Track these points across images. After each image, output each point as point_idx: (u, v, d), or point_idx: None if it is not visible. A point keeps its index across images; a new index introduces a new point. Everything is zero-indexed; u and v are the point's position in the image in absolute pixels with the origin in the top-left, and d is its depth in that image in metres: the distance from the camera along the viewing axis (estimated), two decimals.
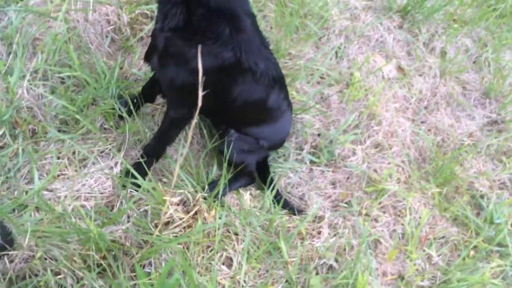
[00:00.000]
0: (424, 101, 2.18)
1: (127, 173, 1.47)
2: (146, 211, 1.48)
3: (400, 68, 2.28)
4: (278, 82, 1.50)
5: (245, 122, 1.57)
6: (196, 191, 1.51)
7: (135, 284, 1.26)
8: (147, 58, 1.42)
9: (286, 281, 1.48)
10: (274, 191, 1.61)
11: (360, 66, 2.12)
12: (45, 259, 1.25)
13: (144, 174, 1.50)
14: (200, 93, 1.09)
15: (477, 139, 2.10)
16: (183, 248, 1.42)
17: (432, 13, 2.37)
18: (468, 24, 2.50)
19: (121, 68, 1.76)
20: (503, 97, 2.27)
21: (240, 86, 1.36)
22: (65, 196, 1.43)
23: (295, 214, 1.62)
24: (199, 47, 1.13)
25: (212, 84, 1.32)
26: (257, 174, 1.66)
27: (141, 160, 1.49)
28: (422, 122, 2.10)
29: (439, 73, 2.29)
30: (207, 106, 1.23)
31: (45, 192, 1.43)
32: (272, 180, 1.64)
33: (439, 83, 2.25)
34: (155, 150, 1.53)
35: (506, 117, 2.18)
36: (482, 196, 1.92)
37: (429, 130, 2.08)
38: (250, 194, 1.66)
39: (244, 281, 1.44)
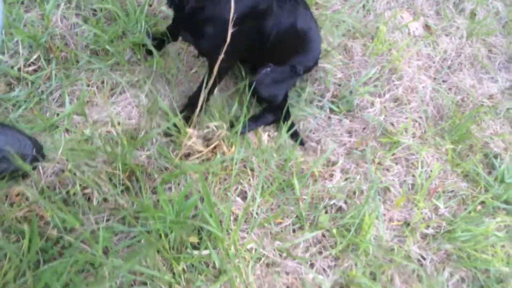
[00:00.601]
0: (448, 60, 2.18)
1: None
2: (169, 141, 1.56)
3: (427, 27, 2.26)
4: (301, 2, 1.53)
5: (281, 54, 1.61)
6: (219, 127, 1.58)
7: (156, 201, 1.35)
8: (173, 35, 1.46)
9: (296, 216, 1.56)
10: (290, 123, 1.67)
11: (386, 21, 2.12)
12: (74, 174, 1.34)
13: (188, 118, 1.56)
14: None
15: (497, 102, 2.11)
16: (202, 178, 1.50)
17: None
18: None
19: (150, 5, 1.80)
20: None
21: (270, 19, 1.39)
22: (94, 122, 1.51)
23: (303, 145, 1.70)
24: None
25: (249, 28, 1.36)
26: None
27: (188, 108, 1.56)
28: (443, 81, 2.11)
29: (466, 34, 2.27)
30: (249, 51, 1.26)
31: (75, 116, 1.51)
32: (289, 113, 1.70)
33: (465, 44, 2.24)
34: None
35: None
36: (495, 156, 1.95)
37: (449, 89, 2.09)
38: (268, 135, 1.72)
39: (257, 213, 1.53)
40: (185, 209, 1.27)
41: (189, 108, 1.58)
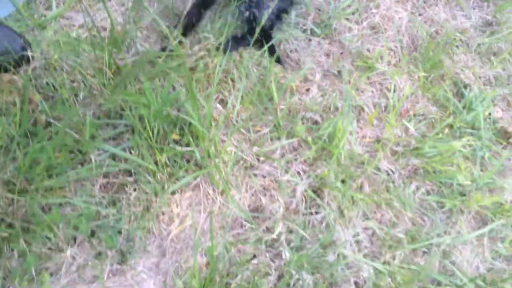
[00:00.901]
0: None
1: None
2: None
3: None
4: None
5: None
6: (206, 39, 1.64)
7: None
8: None
9: (274, 125, 1.64)
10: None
11: None
12: (62, 69, 1.40)
13: None
14: None
15: (469, 36, 2.20)
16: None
17: None
18: None
19: None
20: (501, 0, 2.34)
21: None
22: (80, 25, 1.56)
23: (280, 63, 1.78)
24: None
25: None
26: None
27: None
28: (419, 15, 2.19)
29: None
30: None
31: (61, 20, 1.55)
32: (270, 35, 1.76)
33: None
34: None
35: (502, 20, 2.27)
36: (465, 87, 2.05)
37: (425, 22, 2.17)
38: (249, 52, 1.78)
39: (236, 121, 1.61)
40: (168, 101, 1.33)
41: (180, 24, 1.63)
